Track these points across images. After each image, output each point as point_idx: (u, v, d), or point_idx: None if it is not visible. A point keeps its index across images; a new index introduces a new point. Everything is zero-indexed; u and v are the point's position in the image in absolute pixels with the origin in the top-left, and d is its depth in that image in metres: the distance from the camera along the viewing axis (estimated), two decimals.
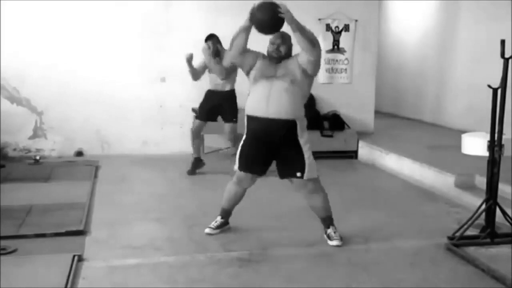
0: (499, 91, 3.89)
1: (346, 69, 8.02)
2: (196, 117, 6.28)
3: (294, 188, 4.02)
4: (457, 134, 6.10)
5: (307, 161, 3.85)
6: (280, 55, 3.86)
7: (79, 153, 7.33)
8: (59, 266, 3.38)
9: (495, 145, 3.93)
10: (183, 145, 6.56)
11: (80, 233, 4.10)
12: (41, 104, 7.19)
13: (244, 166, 4.01)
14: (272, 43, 3.88)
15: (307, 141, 3.91)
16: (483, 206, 3.99)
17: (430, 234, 4.24)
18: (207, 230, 4.16)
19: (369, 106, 8.30)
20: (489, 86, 3.96)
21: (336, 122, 7.60)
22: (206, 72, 6.15)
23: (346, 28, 7.93)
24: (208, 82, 6.20)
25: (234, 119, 6.16)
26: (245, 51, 3.90)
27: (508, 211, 4.05)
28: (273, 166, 4.02)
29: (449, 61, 9.06)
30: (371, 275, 3.45)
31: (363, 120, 8.20)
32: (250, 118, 3.91)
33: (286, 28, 3.81)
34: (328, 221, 4.03)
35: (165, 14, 7.34)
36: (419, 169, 6.02)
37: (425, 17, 9.86)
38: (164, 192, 5.65)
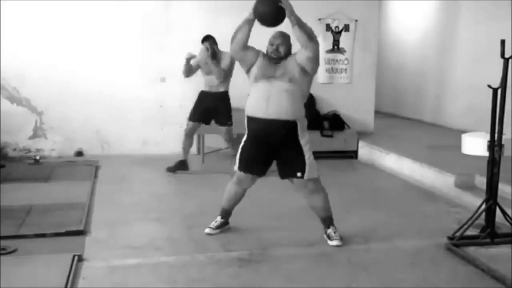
0: (499, 91, 3.89)
1: (346, 69, 8.02)
2: (190, 119, 6.26)
3: (294, 188, 4.02)
4: (457, 134, 6.10)
5: (307, 161, 3.85)
6: (279, 55, 3.86)
7: (79, 153, 7.33)
8: (59, 266, 3.38)
9: (495, 145, 3.93)
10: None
11: (80, 233, 4.10)
12: (41, 104, 7.19)
13: (244, 166, 4.01)
14: (271, 43, 3.87)
15: (308, 141, 3.91)
16: (483, 206, 3.99)
17: (430, 234, 4.24)
18: (207, 230, 4.16)
19: (369, 106, 8.30)
20: (489, 86, 3.96)
21: (336, 122, 7.60)
22: (199, 72, 6.14)
23: (346, 28, 7.93)
24: (201, 82, 6.19)
25: (229, 122, 6.16)
26: (246, 46, 3.89)
27: (508, 211, 4.05)
28: (274, 166, 4.02)
29: (449, 61, 9.07)
30: (371, 275, 3.44)
31: (363, 120, 8.20)
32: (250, 119, 3.91)
33: (286, 28, 3.82)
34: (328, 221, 4.03)
35: (165, 14, 7.34)
36: (419, 169, 6.02)
37: (425, 17, 9.86)
38: (164, 192, 5.65)
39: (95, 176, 6.12)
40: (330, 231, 4.00)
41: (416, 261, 3.69)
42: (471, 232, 4.04)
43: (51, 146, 7.27)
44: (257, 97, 3.84)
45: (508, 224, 4.04)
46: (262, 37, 3.93)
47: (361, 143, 7.52)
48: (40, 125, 7.25)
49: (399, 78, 10.73)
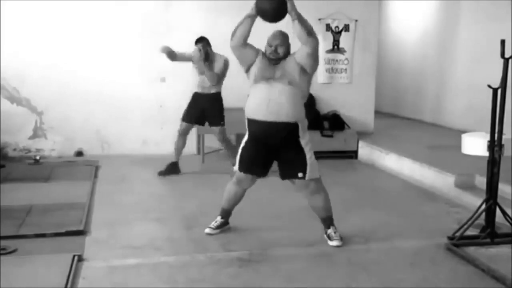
0: (499, 91, 3.89)
1: (346, 69, 8.02)
2: (183, 119, 6.24)
3: (296, 188, 4.01)
4: (457, 134, 6.10)
5: (308, 161, 3.85)
6: (278, 56, 3.83)
7: (79, 153, 7.33)
8: (59, 266, 3.38)
9: (495, 145, 3.93)
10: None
11: (80, 233, 4.10)
12: (41, 104, 7.19)
13: (245, 167, 4.01)
14: (269, 44, 3.85)
15: (309, 141, 3.91)
16: (483, 206, 3.99)
17: (430, 234, 4.24)
18: (207, 230, 4.16)
19: (369, 106, 8.30)
20: (489, 86, 3.96)
21: (336, 122, 7.60)
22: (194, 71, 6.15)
23: (346, 28, 7.94)
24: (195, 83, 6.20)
25: (221, 122, 6.16)
26: (246, 43, 3.87)
27: (508, 211, 4.05)
28: (274, 166, 4.02)
29: (449, 61, 9.06)
30: (371, 275, 3.44)
31: (363, 120, 8.20)
32: (251, 121, 3.90)
33: (286, 25, 3.82)
34: (328, 221, 4.03)
35: (165, 14, 7.35)
36: (419, 169, 6.02)
37: (425, 17, 9.86)
38: (164, 192, 5.65)
39: (95, 176, 6.12)
40: (330, 231, 4.00)
41: (416, 261, 3.69)
42: (471, 232, 4.04)
43: (51, 146, 7.27)
44: (257, 100, 3.82)
45: (508, 224, 4.04)
46: (263, 34, 3.92)
47: (361, 143, 7.52)
48: (40, 125, 7.26)
49: (399, 78, 10.73)
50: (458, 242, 3.91)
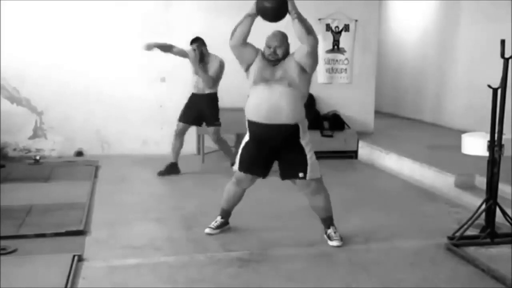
0: (499, 91, 3.89)
1: (346, 69, 8.02)
2: (179, 120, 6.24)
3: (297, 188, 4.01)
4: (457, 134, 6.10)
5: (309, 161, 3.84)
6: (277, 58, 3.82)
7: (79, 153, 7.33)
8: (59, 266, 3.38)
9: (495, 145, 3.93)
10: (183, 145, 6.56)
11: (80, 233, 4.10)
12: (41, 104, 7.19)
13: (245, 167, 4.00)
14: (268, 46, 3.82)
15: (309, 141, 3.91)
16: (483, 206, 3.99)
17: (430, 234, 4.24)
18: (207, 230, 4.16)
19: (369, 106, 8.30)
20: (489, 86, 3.96)
21: (336, 122, 7.60)
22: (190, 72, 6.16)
23: (346, 28, 7.94)
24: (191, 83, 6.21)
25: (215, 122, 6.16)
26: (246, 42, 3.86)
27: (508, 211, 4.05)
28: (275, 166, 4.02)
29: (449, 61, 9.07)
30: (371, 275, 3.45)
31: (363, 120, 8.20)
32: (251, 123, 3.90)
33: (286, 25, 3.81)
34: (328, 221, 4.03)
35: (165, 14, 7.34)
36: (419, 169, 6.02)
37: (425, 17, 9.86)
38: (164, 192, 5.65)
39: (95, 176, 6.12)
40: (330, 231, 4.00)
41: (416, 261, 3.69)
42: (471, 232, 4.04)
43: (51, 146, 7.27)
44: (256, 102, 3.81)
45: (508, 224, 4.04)
46: (263, 34, 3.91)
47: (361, 143, 7.52)
48: (40, 125, 7.26)
49: (399, 78, 10.73)
50: (458, 242, 3.91)
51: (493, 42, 4.88)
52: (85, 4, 7.06)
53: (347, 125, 7.74)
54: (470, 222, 4.00)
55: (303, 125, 3.89)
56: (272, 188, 5.02)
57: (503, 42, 3.86)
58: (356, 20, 7.94)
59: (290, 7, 3.66)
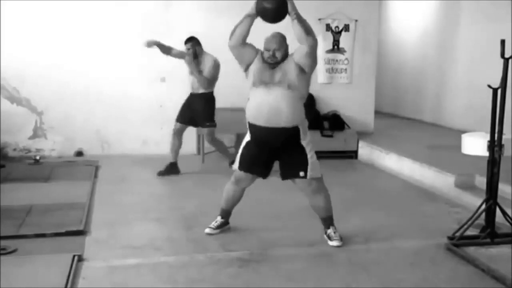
0: (499, 91, 3.89)
1: (346, 69, 8.02)
2: (177, 120, 6.23)
3: (298, 188, 4.01)
4: (457, 134, 6.10)
5: (309, 160, 3.85)
6: (276, 61, 3.80)
7: (79, 153, 7.33)
8: (59, 266, 3.38)
9: (495, 145, 3.93)
10: (183, 145, 6.56)
11: (80, 233, 4.10)
12: (41, 104, 7.19)
13: (246, 166, 4.00)
14: (267, 49, 3.80)
15: (310, 141, 3.92)
16: (483, 206, 3.99)
17: (430, 234, 4.24)
18: (207, 230, 4.16)
19: (369, 106, 8.30)
20: (489, 86, 3.96)
21: (336, 122, 7.60)
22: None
23: (346, 28, 7.93)
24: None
25: (207, 124, 6.13)
26: (245, 42, 3.85)
27: (508, 211, 4.05)
28: (275, 165, 4.02)
29: (449, 61, 9.07)
30: (371, 275, 3.45)
31: (363, 120, 8.20)
32: (251, 125, 3.91)
33: (285, 26, 3.81)
34: (328, 221, 4.03)
35: (165, 14, 7.34)
36: (419, 169, 6.02)
37: (425, 17, 9.86)
38: (164, 192, 5.65)
39: (95, 176, 6.12)
40: (330, 231, 4.00)
41: (416, 261, 3.69)
42: (471, 232, 4.04)
43: (51, 146, 7.27)
44: (256, 105, 3.81)
45: (508, 224, 4.04)
46: (263, 34, 3.91)
47: (361, 143, 7.52)
48: (40, 125, 7.26)
49: (399, 78, 10.73)
50: (458, 242, 3.91)
51: (493, 42, 4.88)
52: (85, 4, 7.06)
53: (347, 125, 7.74)
54: (470, 222, 4.00)
55: (304, 126, 3.89)
56: (272, 188, 5.02)
57: (503, 42, 3.86)
58: (356, 20, 7.93)
59: (289, 8, 3.66)
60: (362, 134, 7.81)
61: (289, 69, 3.77)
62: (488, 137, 4.00)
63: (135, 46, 7.27)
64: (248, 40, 3.88)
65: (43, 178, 5.93)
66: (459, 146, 4.59)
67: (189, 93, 6.22)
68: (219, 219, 4.22)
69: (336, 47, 7.95)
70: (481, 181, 4.94)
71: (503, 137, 3.94)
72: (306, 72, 3.81)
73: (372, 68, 8.28)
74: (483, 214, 3.98)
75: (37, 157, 6.86)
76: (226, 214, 4.24)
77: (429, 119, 9.62)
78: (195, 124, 6.32)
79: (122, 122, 7.38)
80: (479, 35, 8.10)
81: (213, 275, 3.41)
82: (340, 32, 7.92)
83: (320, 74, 7.79)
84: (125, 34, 7.26)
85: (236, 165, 4.07)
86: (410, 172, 6.19)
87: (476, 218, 4.00)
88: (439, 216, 4.84)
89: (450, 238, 3.99)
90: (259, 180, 4.12)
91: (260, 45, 3.92)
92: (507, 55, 3.84)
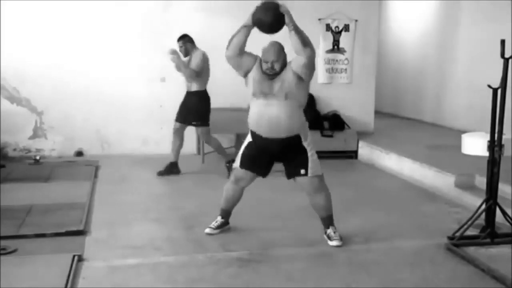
0: (499, 91, 3.89)
1: (346, 69, 8.02)
2: (176, 120, 6.23)
3: (299, 186, 4.02)
4: (457, 134, 6.10)
5: (310, 158, 3.87)
6: (275, 72, 3.79)
7: (79, 153, 7.33)
8: (59, 266, 3.38)
9: (495, 145, 3.93)
10: (183, 145, 6.57)
11: (80, 233, 4.10)
12: (41, 104, 7.19)
13: (247, 164, 4.01)
14: (265, 61, 3.79)
15: (311, 142, 3.95)
16: (483, 206, 3.99)
17: (430, 234, 4.24)
18: (207, 230, 4.16)
19: (369, 106, 8.30)
20: (489, 86, 3.96)
21: (336, 122, 7.60)
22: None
23: (346, 28, 7.93)
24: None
25: (199, 123, 6.10)
26: (242, 52, 3.85)
27: (508, 211, 4.05)
28: (276, 165, 4.03)
29: (449, 61, 9.06)
30: (371, 275, 3.44)
31: (363, 120, 8.20)
32: (253, 132, 3.95)
33: (283, 36, 3.81)
34: (328, 221, 4.03)
35: (165, 14, 7.34)
36: (419, 169, 6.02)
37: (425, 17, 9.86)
38: (164, 192, 5.65)
39: (95, 176, 6.12)
40: (330, 231, 4.00)
41: (416, 261, 3.69)
42: (471, 232, 4.04)
43: (51, 146, 7.27)
44: (256, 117, 3.85)
45: (508, 224, 4.04)
46: (260, 43, 3.90)
47: (361, 143, 7.52)
48: (40, 125, 7.26)
49: (399, 78, 10.72)
50: (458, 242, 3.91)
51: (493, 42, 4.87)
52: (85, 4, 7.06)
53: (347, 125, 7.74)
54: (470, 222, 4.00)
55: (304, 130, 3.92)
56: (272, 188, 5.03)
57: (503, 42, 3.86)
58: (356, 20, 7.93)
59: (287, 20, 3.65)
60: (362, 134, 7.81)
61: (288, 78, 3.77)
62: (488, 137, 4.00)
63: (135, 46, 7.30)
64: (247, 47, 3.87)
65: (43, 178, 5.93)
66: (459, 146, 4.59)
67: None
68: (219, 219, 4.23)
69: (336, 47, 7.94)
70: (481, 181, 4.94)
71: (503, 137, 3.94)
72: (304, 80, 3.81)
73: (372, 68, 8.28)
74: (483, 214, 3.98)
75: (37, 157, 6.86)
76: (226, 214, 4.24)
77: (429, 119, 9.61)
78: (193, 125, 6.30)
79: (122, 122, 7.38)
80: (479, 35, 8.10)
81: (213, 275, 3.40)
82: (340, 32, 7.92)
83: (320, 74, 7.78)
84: (125, 34, 7.26)
85: (236, 164, 4.08)
86: (410, 172, 6.19)
87: (476, 218, 3.99)
88: (439, 216, 4.84)
89: (450, 238, 3.99)
90: (259, 180, 4.13)
91: (257, 54, 3.90)
92: (507, 55, 3.84)
